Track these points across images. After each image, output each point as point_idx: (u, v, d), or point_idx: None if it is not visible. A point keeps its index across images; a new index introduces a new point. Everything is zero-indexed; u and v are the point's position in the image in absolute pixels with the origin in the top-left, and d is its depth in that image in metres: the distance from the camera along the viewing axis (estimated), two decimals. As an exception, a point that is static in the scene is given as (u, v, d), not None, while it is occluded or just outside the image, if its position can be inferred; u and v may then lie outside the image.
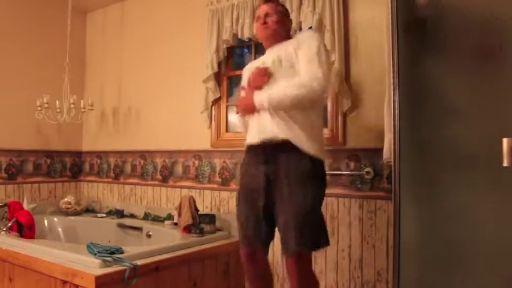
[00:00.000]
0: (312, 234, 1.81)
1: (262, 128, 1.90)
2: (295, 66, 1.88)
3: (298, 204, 1.80)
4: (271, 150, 1.88)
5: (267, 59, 2.01)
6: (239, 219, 2.02)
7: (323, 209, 1.93)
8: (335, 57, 2.44)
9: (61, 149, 3.80)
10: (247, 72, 2.10)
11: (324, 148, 1.99)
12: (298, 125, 1.85)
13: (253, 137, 1.95)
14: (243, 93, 2.00)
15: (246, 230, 1.97)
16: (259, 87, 1.90)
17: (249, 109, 1.92)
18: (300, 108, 1.85)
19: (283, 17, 2.08)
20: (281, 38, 2.03)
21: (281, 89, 1.82)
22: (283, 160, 1.85)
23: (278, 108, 1.84)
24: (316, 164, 1.88)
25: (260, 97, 1.86)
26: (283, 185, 1.84)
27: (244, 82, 2.11)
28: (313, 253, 1.96)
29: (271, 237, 1.98)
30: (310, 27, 2.44)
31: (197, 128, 3.15)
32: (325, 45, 1.97)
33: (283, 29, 2.05)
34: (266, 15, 2.04)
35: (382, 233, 2.34)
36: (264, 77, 1.91)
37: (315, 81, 1.79)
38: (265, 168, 1.89)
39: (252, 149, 1.98)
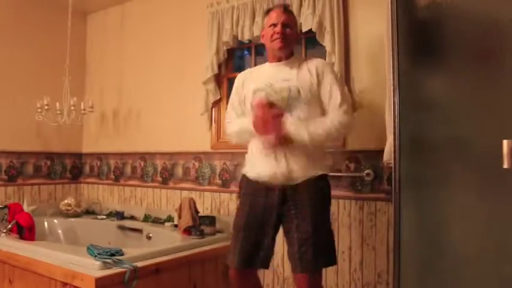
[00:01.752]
0: (327, 251, 1.84)
1: (287, 169, 1.81)
2: (312, 101, 1.87)
3: (316, 221, 1.80)
4: (291, 190, 1.84)
5: (275, 80, 1.90)
6: (243, 241, 1.89)
7: None
8: (335, 58, 2.44)
9: (61, 151, 3.80)
10: (249, 84, 2.01)
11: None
12: (320, 155, 1.92)
13: (268, 175, 1.85)
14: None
15: (253, 249, 1.87)
16: (274, 130, 1.79)
17: (267, 131, 1.80)
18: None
19: (297, 31, 2.08)
20: (290, 53, 2.00)
21: (319, 129, 1.81)
22: (303, 192, 1.83)
23: (314, 144, 1.82)
24: (328, 183, 1.93)
25: (299, 132, 1.79)
26: (301, 204, 1.82)
27: (237, 91, 2.08)
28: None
29: (271, 257, 1.93)
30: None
31: (197, 129, 3.15)
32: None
33: (295, 42, 2.03)
34: (285, 25, 1.93)
35: (383, 235, 2.34)
36: (278, 118, 1.79)
37: (347, 122, 1.86)
38: (279, 205, 1.85)
39: (260, 185, 1.88)
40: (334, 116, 1.84)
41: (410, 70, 1.65)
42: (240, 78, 2.13)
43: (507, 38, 1.37)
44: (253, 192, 1.91)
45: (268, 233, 1.87)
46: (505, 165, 1.15)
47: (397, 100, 1.63)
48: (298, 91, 1.85)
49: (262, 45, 3.00)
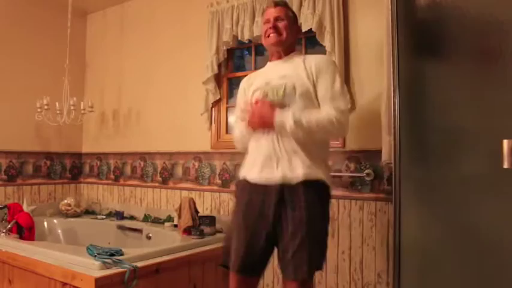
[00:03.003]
0: (319, 258, 1.76)
1: (280, 170, 1.75)
2: (312, 95, 1.79)
3: (314, 229, 1.72)
4: (288, 190, 1.75)
5: (272, 77, 1.86)
6: (238, 244, 1.81)
7: None
8: (335, 58, 2.43)
9: (61, 151, 3.80)
10: (250, 87, 1.97)
11: (330, 173, 1.91)
12: (319, 158, 1.79)
13: (263, 175, 1.79)
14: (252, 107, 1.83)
15: (248, 255, 1.79)
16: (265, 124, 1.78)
17: (264, 124, 1.77)
18: (318, 140, 1.80)
19: (294, 23, 1.96)
20: (289, 49, 1.93)
21: (311, 118, 1.72)
22: (300, 194, 1.73)
23: (297, 135, 1.73)
24: (327, 189, 1.81)
25: (284, 117, 1.72)
26: (295, 208, 1.73)
27: (241, 96, 2.02)
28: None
29: (266, 264, 1.85)
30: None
31: (197, 129, 3.15)
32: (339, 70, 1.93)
33: (292, 37, 1.93)
34: (276, 18, 1.89)
35: (383, 235, 2.34)
36: (272, 112, 1.75)
37: (342, 120, 1.74)
38: (276, 205, 1.76)
39: (258, 186, 1.81)
40: (332, 111, 1.73)
41: (410, 70, 1.65)
42: (243, 83, 2.07)
43: (507, 38, 1.37)
44: (250, 192, 1.84)
45: (262, 235, 1.78)
46: (505, 165, 1.15)
47: (397, 100, 1.63)
48: (294, 88, 1.78)
49: (262, 45, 3.03)
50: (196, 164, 3.17)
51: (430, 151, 1.63)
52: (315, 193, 1.75)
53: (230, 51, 3.07)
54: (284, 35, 1.89)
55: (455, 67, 1.56)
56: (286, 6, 1.99)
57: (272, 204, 1.76)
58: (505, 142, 1.14)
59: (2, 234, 2.70)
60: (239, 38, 2.88)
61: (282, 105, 1.77)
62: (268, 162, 1.79)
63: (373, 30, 2.39)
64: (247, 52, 3.16)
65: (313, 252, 1.71)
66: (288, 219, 1.73)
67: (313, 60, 1.87)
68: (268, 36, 1.91)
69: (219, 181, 3.03)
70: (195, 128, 3.17)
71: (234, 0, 2.89)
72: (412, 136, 1.65)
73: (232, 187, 2.93)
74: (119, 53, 3.76)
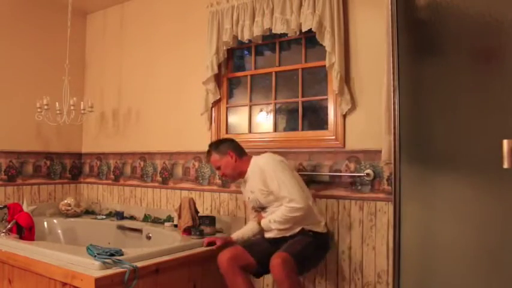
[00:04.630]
0: (298, 254, 2.13)
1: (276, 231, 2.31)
2: (273, 193, 2.28)
3: (296, 243, 2.21)
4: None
5: (249, 192, 2.45)
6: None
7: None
8: (335, 58, 2.44)
9: (61, 151, 3.80)
10: (245, 195, 2.54)
11: (319, 220, 2.33)
12: (304, 223, 2.28)
13: (268, 231, 2.36)
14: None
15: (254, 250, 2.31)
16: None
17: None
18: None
19: (223, 157, 2.43)
20: (241, 171, 2.43)
21: (276, 220, 2.26)
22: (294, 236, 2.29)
23: (278, 227, 2.29)
24: (317, 234, 2.30)
25: (264, 224, 2.34)
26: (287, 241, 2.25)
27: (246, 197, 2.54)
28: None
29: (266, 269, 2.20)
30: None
31: (197, 129, 3.15)
32: (278, 161, 2.33)
33: (232, 163, 2.41)
34: (217, 168, 2.49)
35: (382, 235, 2.34)
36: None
37: (293, 207, 2.20)
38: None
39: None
40: (283, 209, 2.23)
41: (410, 70, 1.65)
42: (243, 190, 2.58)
43: (507, 38, 1.37)
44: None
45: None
46: (505, 165, 1.14)
47: (397, 100, 1.63)
48: (259, 201, 2.37)
49: (262, 45, 3.04)
50: (196, 164, 3.16)
51: (430, 151, 1.63)
52: (305, 234, 2.28)
53: (230, 51, 3.07)
54: (227, 173, 2.46)
55: (455, 67, 1.56)
56: (209, 153, 2.50)
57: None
58: (505, 142, 1.14)
59: (2, 234, 2.70)
60: (239, 38, 2.88)
61: (263, 209, 2.40)
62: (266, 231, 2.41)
63: (373, 30, 2.39)
64: (247, 52, 3.16)
65: (292, 247, 2.16)
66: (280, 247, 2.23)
67: (258, 168, 2.35)
68: (226, 177, 2.63)
69: (219, 181, 3.03)
70: (195, 128, 3.17)
71: (234, 0, 2.89)
72: (412, 136, 1.65)
73: (233, 187, 2.94)
74: (119, 52, 3.76)
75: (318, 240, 2.30)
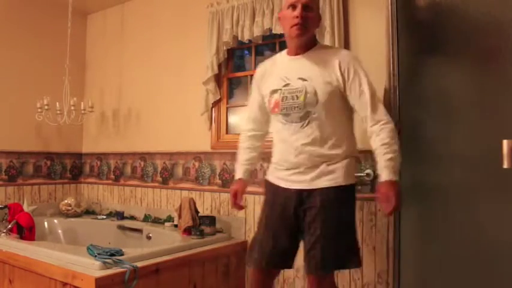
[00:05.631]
0: (339, 254, 1.70)
1: (308, 176, 1.74)
2: (338, 101, 1.71)
3: (327, 224, 1.69)
4: (307, 193, 1.74)
5: (291, 77, 1.74)
6: (264, 241, 1.83)
7: None
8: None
9: (61, 151, 3.80)
10: (265, 83, 1.87)
11: (355, 171, 1.86)
12: (345, 162, 1.74)
13: (289, 180, 1.79)
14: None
15: (272, 251, 1.81)
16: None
17: (398, 203, 1.64)
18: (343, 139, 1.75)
19: (319, 14, 1.80)
20: (312, 43, 1.79)
21: (394, 154, 1.63)
22: (319, 197, 1.72)
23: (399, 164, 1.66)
24: (350, 189, 1.77)
25: (395, 177, 1.64)
26: (317, 206, 1.71)
27: (254, 92, 1.96)
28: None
29: (293, 258, 1.86)
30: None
31: (197, 129, 3.15)
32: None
33: (316, 28, 1.79)
34: (305, 7, 1.67)
35: (383, 235, 2.34)
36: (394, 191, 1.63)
37: (390, 123, 1.64)
38: (296, 205, 1.77)
39: (279, 188, 1.82)
40: (390, 128, 1.64)
41: (410, 70, 1.65)
42: (257, 75, 1.96)
43: (507, 38, 1.37)
44: (274, 194, 1.85)
45: (286, 233, 1.80)
46: (505, 165, 1.15)
47: (397, 100, 1.63)
48: (316, 94, 1.68)
49: (262, 45, 3.03)
50: (197, 164, 3.17)
51: (430, 151, 1.63)
52: (331, 194, 1.72)
53: (230, 52, 3.07)
54: (311, 28, 1.73)
55: (455, 67, 1.56)
56: None
57: (292, 206, 1.77)
58: (505, 142, 1.14)
59: (3, 234, 2.70)
60: (239, 38, 2.88)
61: (304, 115, 1.71)
62: (291, 170, 1.77)
63: (373, 30, 2.39)
64: (247, 52, 3.16)
65: (328, 249, 1.67)
66: (307, 217, 1.73)
67: (339, 58, 1.72)
68: (293, 27, 1.69)
69: (219, 181, 3.03)
70: (195, 128, 3.17)
71: (234, 1, 2.89)
72: (412, 136, 1.65)
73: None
74: (119, 53, 3.76)
75: (347, 201, 1.77)
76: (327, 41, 2.45)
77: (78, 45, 3.85)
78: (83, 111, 3.37)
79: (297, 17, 1.66)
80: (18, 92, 3.46)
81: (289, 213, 1.78)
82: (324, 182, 1.71)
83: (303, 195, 1.74)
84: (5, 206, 3.04)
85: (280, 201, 1.81)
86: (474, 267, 1.46)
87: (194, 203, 2.86)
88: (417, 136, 1.66)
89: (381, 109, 1.66)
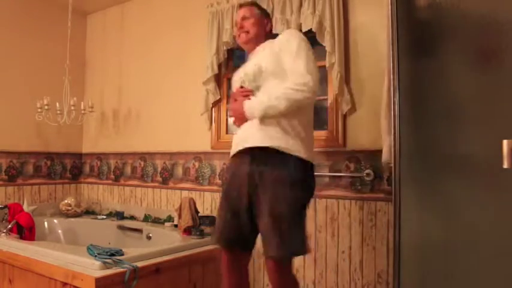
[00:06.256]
0: (290, 240, 1.74)
1: (247, 136, 1.85)
2: (279, 72, 1.82)
3: (278, 208, 1.74)
4: (257, 154, 1.81)
5: (248, 68, 1.94)
6: (221, 220, 1.94)
7: (311, 212, 1.88)
8: (335, 59, 2.44)
9: (61, 151, 3.81)
10: (234, 82, 2.05)
11: (311, 150, 1.90)
12: (284, 130, 1.79)
13: (237, 144, 1.90)
14: (232, 102, 1.96)
15: (228, 231, 1.90)
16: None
17: (241, 118, 1.87)
18: (290, 114, 1.79)
19: (261, 18, 2.03)
20: (262, 40, 2.01)
21: (272, 96, 1.76)
22: (267, 163, 1.79)
23: (269, 116, 1.78)
24: (301, 166, 1.81)
25: (251, 105, 1.81)
26: (266, 187, 1.77)
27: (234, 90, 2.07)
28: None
29: (253, 240, 1.93)
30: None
31: (197, 129, 3.15)
32: (307, 41, 1.89)
33: (262, 30, 2.02)
34: (243, 18, 2.01)
35: (383, 235, 2.34)
36: (241, 105, 1.85)
37: (304, 86, 1.74)
38: (249, 169, 1.82)
39: (236, 155, 1.92)
40: (289, 84, 1.76)
41: (410, 70, 1.65)
42: (233, 78, 2.13)
43: (507, 38, 1.37)
44: (231, 165, 1.97)
45: (243, 207, 1.85)
46: (505, 165, 1.15)
47: (397, 100, 1.63)
48: (260, 69, 1.85)
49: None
50: (197, 164, 3.17)
51: (430, 151, 1.63)
52: (285, 167, 1.77)
53: (230, 51, 3.07)
54: (251, 31, 1.99)
55: (455, 67, 1.56)
56: (251, 4, 2.08)
57: (244, 169, 1.83)
58: (505, 142, 1.14)
59: (3, 234, 2.70)
60: (239, 38, 2.88)
61: (258, 89, 1.87)
62: (243, 138, 1.88)
63: (373, 30, 2.39)
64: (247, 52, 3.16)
65: (281, 234, 1.72)
66: (260, 198, 1.79)
67: (280, 36, 1.92)
68: (239, 36, 2.04)
69: (219, 181, 3.03)
70: (195, 128, 3.17)
71: (234, 1, 2.89)
72: (412, 136, 1.65)
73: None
74: (119, 53, 3.76)
75: (306, 177, 1.84)
76: (326, 41, 2.45)
77: (78, 45, 3.86)
78: (83, 111, 3.37)
79: (238, 28, 2.03)
80: (18, 92, 3.47)
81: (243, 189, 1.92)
82: None
83: None
84: (5, 206, 3.04)
85: None
86: (474, 267, 1.46)
87: (194, 203, 2.86)
88: (417, 136, 1.66)
89: (301, 76, 1.75)
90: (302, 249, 1.78)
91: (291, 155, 1.78)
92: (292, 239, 1.74)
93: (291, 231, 1.74)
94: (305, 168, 1.83)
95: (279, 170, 1.77)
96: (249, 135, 1.83)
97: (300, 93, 1.74)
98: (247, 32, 2.00)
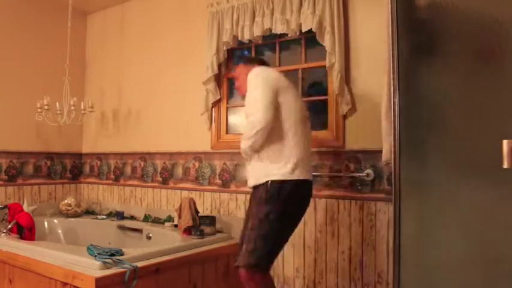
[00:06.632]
0: (252, 250, 1.93)
1: (247, 177, 2.18)
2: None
3: (250, 223, 2.01)
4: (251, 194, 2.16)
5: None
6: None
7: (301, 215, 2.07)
8: (335, 59, 2.44)
9: (61, 151, 3.80)
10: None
11: (288, 163, 2.00)
12: (261, 162, 2.05)
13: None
14: None
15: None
16: None
17: (243, 92, 2.25)
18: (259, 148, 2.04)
19: (247, 68, 2.22)
20: None
21: (242, 141, 2.06)
22: (253, 194, 2.10)
23: (253, 152, 2.06)
24: (274, 186, 1.99)
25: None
26: (251, 207, 2.09)
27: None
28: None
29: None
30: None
31: (197, 129, 3.15)
32: (258, 73, 2.06)
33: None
34: (235, 79, 2.40)
35: (383, 235, 2.34)
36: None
37: (251, 123, 1.97)
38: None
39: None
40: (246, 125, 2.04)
41: (410, 70, 1.65)
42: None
43: (507, 38, 1.37)
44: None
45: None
46: (505, 165, 1.15)
47: (397, 100, 1.63)
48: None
49: (262, 46, 3.04)
50: (197, 164, 3.17)
51: (430, 151, 1.63)
52: (262, 192, 2.01)
53: (230, 52, 3.07)
54: (242, 88, 2.27)
55: (455, 67, 1.56)
56: (240, 62, 2.41)
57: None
58: (505, 142, 1.14)
59: (3, 234, 2.70)
60: (239, 38, 2.88)
61: None
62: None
63: (373, 30, 2.40)
64: (247, 52, 3.16)
65: (248, 244, 1.95)
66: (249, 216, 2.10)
67: None
68: (236, 88, 2.45)
69: (219, 181, 3.03)
70: (195, 128, 3.17)
71: (234, 1, 2.89)
72: (412, 136, 1.65)
73: (233, 187, 2.94)
74: (119, 53, 3.76)
75: (279, 191, 1.99)
76: (327, 41, 2.46)
77: (78, 45, 3.86)
78: (83, 111, 3.37)
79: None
80: (18, 92, 3.46)
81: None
82: None
83: None
84: (5, 206, 3.04)
85: None
86: (474, 267, 1.46)
87: (194, 203, 2.86)
88: (417, 136, 1.66)
89: (249, 114, 2.01)
90: (261, 261, 1.93)
91: (264, 182, 2.02)
92: (255, 250, 1.92)
93: (256, 242, 1.94)
94: (280, 185, 1.99)
95: (257, 196, 2.05)
96: (247, 177, 2.16)
97: (250, 129, 1.98)
98: (240, 88, 2.33)
